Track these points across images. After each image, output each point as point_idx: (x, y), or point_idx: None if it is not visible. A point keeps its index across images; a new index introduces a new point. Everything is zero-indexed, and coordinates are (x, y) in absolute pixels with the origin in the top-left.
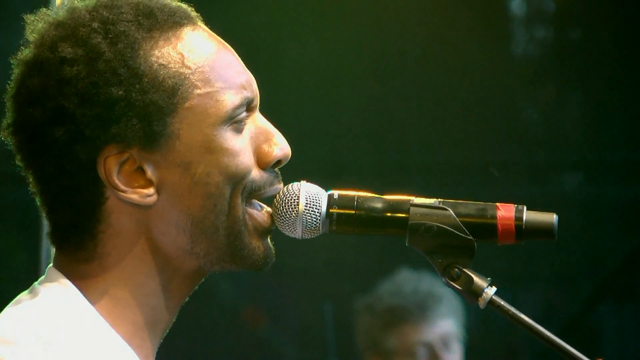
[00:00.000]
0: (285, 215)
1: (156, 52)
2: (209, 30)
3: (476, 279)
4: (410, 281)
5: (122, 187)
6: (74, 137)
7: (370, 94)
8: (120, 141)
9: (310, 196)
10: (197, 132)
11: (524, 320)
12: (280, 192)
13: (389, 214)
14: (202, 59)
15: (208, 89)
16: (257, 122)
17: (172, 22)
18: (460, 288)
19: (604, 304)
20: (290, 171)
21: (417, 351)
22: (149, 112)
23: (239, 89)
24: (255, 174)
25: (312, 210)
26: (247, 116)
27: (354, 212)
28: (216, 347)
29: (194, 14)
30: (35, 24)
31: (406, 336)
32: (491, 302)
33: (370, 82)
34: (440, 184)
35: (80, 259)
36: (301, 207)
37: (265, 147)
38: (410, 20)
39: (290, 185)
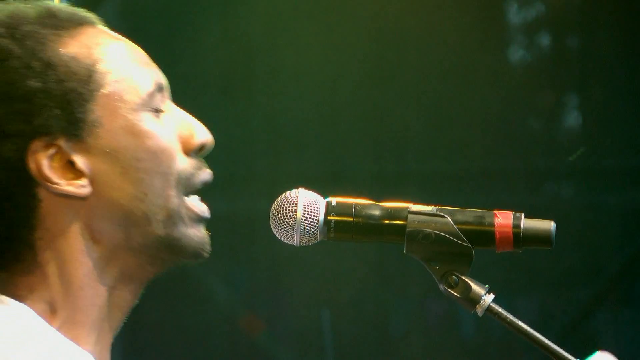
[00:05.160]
0: (283, 222)
1: (64, 47)
2: (111, 30)
3: (474, 286)
4: None
5: (56, 179)
6: None
7: (369, 101)
8: (45, 133)
9: (308, 203)
10: (119, 117)
11: (522, 328)
12: (278, 199)
13: (386, 221)
14: (110, 50)
15: (121, 76)
16: (174, 112)
17: (74, 20)
18: (458, 295)
19: (602, 311)
20: (287, 178)
21: None
22: (69, 100)
23: (150, 75)
24: (182, 159)
25: (310, 218)
26: (162, 105)
27: (351, 219)
28: (213, 354)
29: (94, 16)
30: None
31: None
32: (489, 309)
33: (368, 89)
34: (438, 191)
35: (21, 272)
36: (299, 214)
37: (187, 133)
38: (408, 28)
39: (287, 193)
